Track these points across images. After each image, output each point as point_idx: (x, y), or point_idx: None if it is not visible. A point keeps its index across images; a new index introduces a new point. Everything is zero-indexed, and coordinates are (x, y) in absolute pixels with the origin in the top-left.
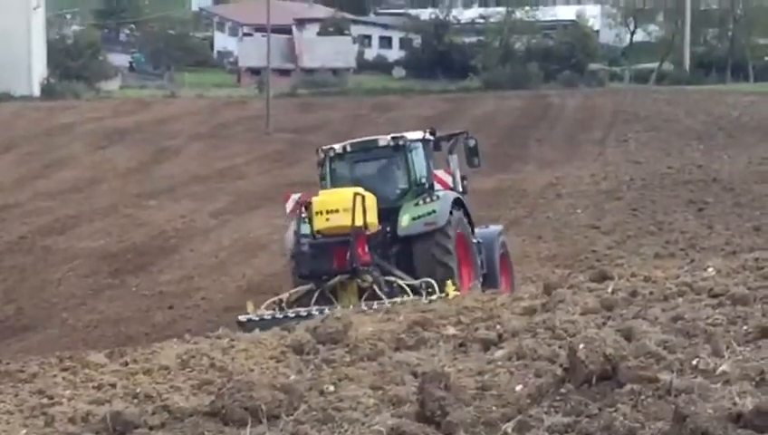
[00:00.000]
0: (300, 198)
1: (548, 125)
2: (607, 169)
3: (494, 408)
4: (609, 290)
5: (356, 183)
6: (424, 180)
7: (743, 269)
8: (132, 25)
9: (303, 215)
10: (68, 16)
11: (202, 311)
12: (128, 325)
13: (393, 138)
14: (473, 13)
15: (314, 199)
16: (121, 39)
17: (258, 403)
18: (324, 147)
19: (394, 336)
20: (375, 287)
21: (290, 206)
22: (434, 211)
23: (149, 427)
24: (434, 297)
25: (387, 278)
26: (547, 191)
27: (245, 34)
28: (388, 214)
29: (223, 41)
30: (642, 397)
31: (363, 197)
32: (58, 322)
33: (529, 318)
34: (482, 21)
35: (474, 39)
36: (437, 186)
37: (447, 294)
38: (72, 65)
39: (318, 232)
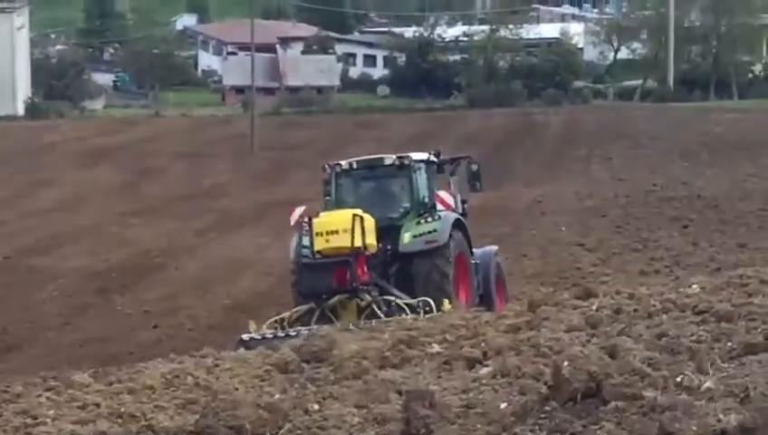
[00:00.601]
0: (304, 211)
1: (532, 143)
2: (591, 187)
3: (478, 426)
4: (594, 307)
5: (360, 199)
6: (426, 200)
7: (727, 286)
8: (116, 45)
9: (306, 228)
10: (52, 36)
11: (187, 330)
12: (112, 345)
13: (398, 157)
14: (457, 31)
15: (315, 220)
16: (106, 58)
17: (243, 422)
18: (331, 163)
19: (379, 354)
20: (374, 306)
21: (294, 218)
22: (435, 230)
23: None
24: (431, 316)
25: (385, 298)
26: (532, 209)
27: (230, 53)
28: (389, 231)
29: (207, 60)
30: (627, 414)
31: (362, 218)
32: (42, 341)
33: (514, 336)
34: (466, 39)
35: (458, 57)
36: (440, 206)
37: (444, 313)
38: (56, 84)
39: (318, 252)
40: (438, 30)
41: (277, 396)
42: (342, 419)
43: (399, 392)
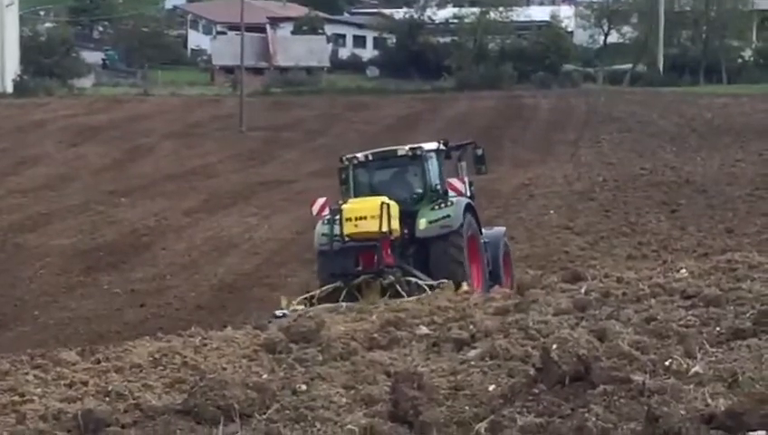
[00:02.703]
0: (325, 201)
1: (521, 126)
2: (580, 170)
3: (466, 408)
4: (582, 291)
5: (376, 189)
6: (438, 187)
7: (715, 271)
8: (106, 23)
9: (328, 216)
10: (41, 13)
11: (174, 309)
12: (100, 323)
13: (411, 148)
14: (447, 13)
15: (344, 207)
16: (95, 36)
17: (231, 402)
18: (348, 155)
19: (367, 336)
20: (397, 286)
21: (316, 209)
22: (449, 215)
23: (121, 425)
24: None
25: (407, 278)
26: (520, 192)
27: (219, 33)
28: (405, 217)
29: (196, 39)
30: (615, 398)
31: (389, 205)
32: (30, 319)
33: (502, 318)
34: (456, 21)
35: (448, 39)
36: (451, 192)
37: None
38: (45, 62)
39: (347, 236)
40: (429, 12)
41: (265, 376)
42: (330, 399)
43: (387, 374)
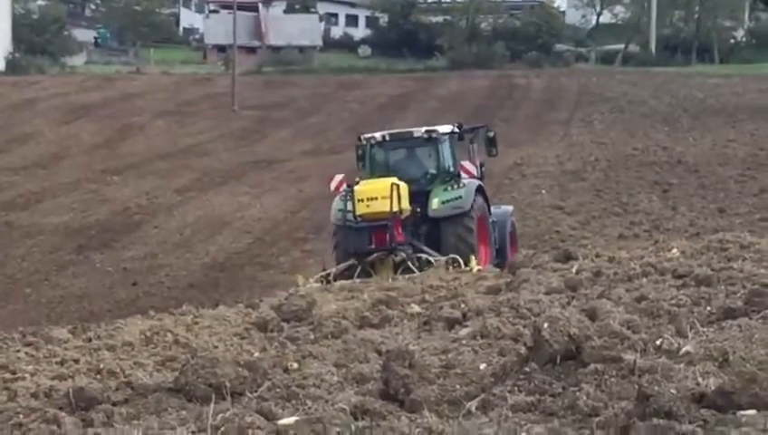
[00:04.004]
0: (342, 178)
1: (513, 105)
2: (572, 150)
3: (457, 386)
4: (574, 270)
5: (391, 168)
6: (451, 168)
7: (706, 250)
8: (98, 1)
9: (345, 193)
10: None
11: (166, 287)
12: (91, 301)
13: (426, 130)
14: None
15: (356, 188)
16: (87, 14)
17: (222, 380)
18: (366, 135)
19: (358, 314)
20: (408, 262)
21: (334, 184)
22: (460, 197)
23: (113, 403)
24: (460, 270)
25: (418, 255)
26: (512, 171)
27: (212, 11)
28: (418, 196)
29: (189, 17)
30: (606, 377)
31: (398, 186)
32: (21, 297)
33: (493, 297)
34: (449, 0)
35: (440, 18)
36: (463, 175)
37: (471, 269)
38: (37, 40)
39: (360, 216)
40: None
41: (257, 354)
42: (322, 377)
43: (379, 352)
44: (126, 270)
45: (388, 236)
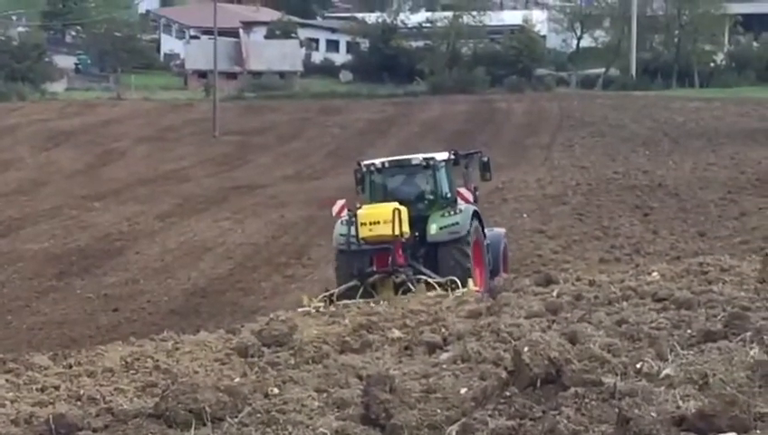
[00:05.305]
0: (344, 203)
1: (494, 130)
2: (553, 174)
3: (438, 410)
4: (555, 294)
5: (390, 193)
6: (448, 195)
7: (687, 274)
8: (78, 27)
9: (346, 217)
10: (14, 18)
11: (147, 314)
12: (72, 328)
13: (424, 158)
14: (420, 17)
15: (359, 213)
16: (67, 41)
17: (202, 405)
18: (366, 162)
19: (339, 339)
20: (408, 284)
21: (336, 210)
22: (457, 223)
23: (93, 429)
24: (458, 292)
25: (418, 277)
26: (493, 195)
27: (192, 37)
28: (416, 221)
29: (170, 43)
30: (586, 400)
31: (400, 211)
32: (2, 324)
33: (474, 321)
34: (429, 25)
35: (421, 43)
36: (460, 200)
37: (469, 290)
38: (17, 67)
39: (362, 239)
40: (402, 16)
41: (237, 380)
42: (302, 403)
43: (359, 377)
44: (107, 296)
45: (390, 258)
